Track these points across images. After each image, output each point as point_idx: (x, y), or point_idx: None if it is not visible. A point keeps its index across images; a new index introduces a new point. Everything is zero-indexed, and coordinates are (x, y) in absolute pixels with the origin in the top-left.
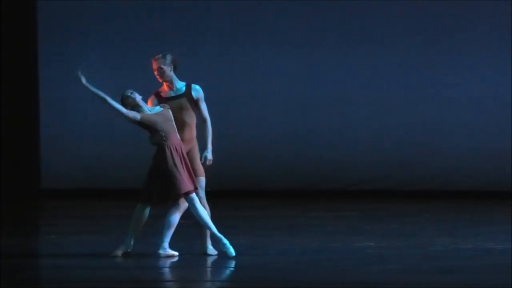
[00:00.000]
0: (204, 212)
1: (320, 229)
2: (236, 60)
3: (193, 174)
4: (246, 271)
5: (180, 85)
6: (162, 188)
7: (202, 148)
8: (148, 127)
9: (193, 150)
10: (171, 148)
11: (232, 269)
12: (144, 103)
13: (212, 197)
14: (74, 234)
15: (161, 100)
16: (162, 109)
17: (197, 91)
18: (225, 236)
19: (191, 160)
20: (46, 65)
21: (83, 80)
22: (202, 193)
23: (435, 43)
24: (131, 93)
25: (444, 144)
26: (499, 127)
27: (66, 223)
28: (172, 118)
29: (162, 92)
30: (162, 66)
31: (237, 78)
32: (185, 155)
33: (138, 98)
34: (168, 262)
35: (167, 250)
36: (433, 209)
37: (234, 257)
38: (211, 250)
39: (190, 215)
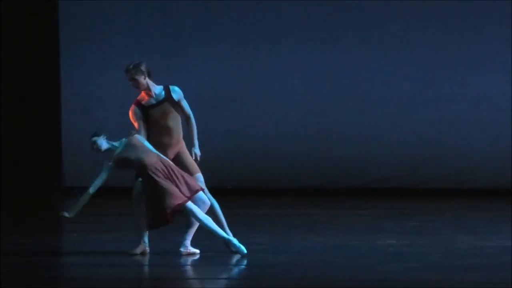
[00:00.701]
0: (207, 219)
1: (341, 227)
2: (255, 58)
3: (189, 181)
4: (266, 269)
5: (159, 90)
6: (158, 211)
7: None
8: (126, 165)
9: (182, 150)
10: (152, 170)
11: (251, 267)
12: (110, 143)
13: (231, 195)
14: (96, 232)
15: (143, 109)
16: (127, 139)
17: (177, 93)
18: (244, 235)
19: (183, 159)
20: (67, 64)
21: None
22: (205, 189)
23: (452, 41)
24: (95, 143)
25: (464, 141)
26: None
27: (88, 221)
28: (141, 142)
29: (142, 100)
30: (136, 77)
31: (256, 76)
32: (171, 166)
33: (104, 146)
34: (190, 260)
35: (188, 248)
36: (454, 207)
37: (247, 254)
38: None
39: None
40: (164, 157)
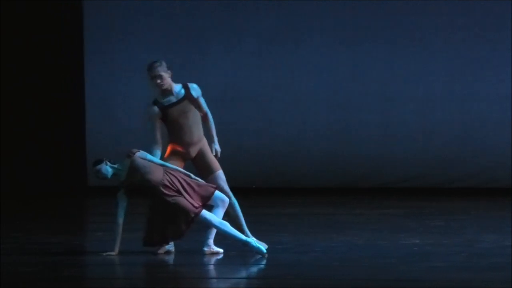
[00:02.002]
0: (223, 223)
1: (365, 227)
2: (278, 57)
3: (199, 188)
4: (290, 268)
5: (178, 88)
6: (170, 225)
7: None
8: (135, 189)
9: (204, 147)
10: (161, 188)
11: (272, 266)
12: (113, 167)
13: (256, 195)
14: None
15: (163, 110)
16: (128, 162)
17: (196, 90)
18: (268, 234)
19: (206, 157)
20: (91, 63)
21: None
22: (226, 186)
23: (479, 40)
24: (99, 172)
25: (488, 141)
26: None
27: (113, 220)
28: (142, 162)
29: (161, 99)
30: (163, 73)
31: (280, 76)
32: (179, 175)
33: (109, 172)
34: (213, 259)
35: (211, 247)
36: (478, 206)
37: (269, 254)
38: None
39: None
40: (171, 166)
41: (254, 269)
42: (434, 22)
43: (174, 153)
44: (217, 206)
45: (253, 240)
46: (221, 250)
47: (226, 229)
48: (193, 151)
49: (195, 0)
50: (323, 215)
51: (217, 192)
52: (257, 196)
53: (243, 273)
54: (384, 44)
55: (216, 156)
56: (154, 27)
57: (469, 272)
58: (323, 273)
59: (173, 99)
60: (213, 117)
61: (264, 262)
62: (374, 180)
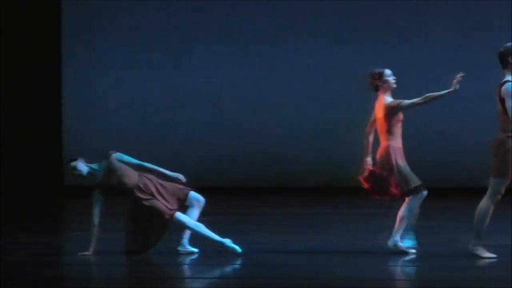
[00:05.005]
0: (198, 226)
1: (346, 226)
2: (264, 58)
3: (174, 191)
4: (266, 268)
5: None
6: (149, 230)
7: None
8: (111, 190)
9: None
10: (137, 191)
11: (247, 266)
12: (89, 166)
13: (238, 194)
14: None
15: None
16: (106, 163)
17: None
18: (247, 234)
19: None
20: (69, 62)
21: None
22: None
23: (471, 40)
24: (75, 168)
25: (468, 141)
26: None
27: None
28: (120, 164)
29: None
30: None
31: (264, 76)
32: (153, 179)
33: (85, 170)
34: (188, 259)
35: (186, 246)
36: (459, 206)
37: (246, 254)
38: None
39: (209, 211)
40: (149, 166)
41: (229, 269)
42: (419, 22)
43: None
44: (193, 206)
45: (228, 240)
46: (196, 250)
47: (200, 230)
48: None
49: (174, 0)
50: (302, 215)
51: (192, 193)
52: (240, 195)
53: (218, 273)
54: (371, 43)
55: None
56: (132, 27)
57: (447, 271)
58: (300, 273)
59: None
60: (198, 118)
61: (239, 262)
62: (354, 180)
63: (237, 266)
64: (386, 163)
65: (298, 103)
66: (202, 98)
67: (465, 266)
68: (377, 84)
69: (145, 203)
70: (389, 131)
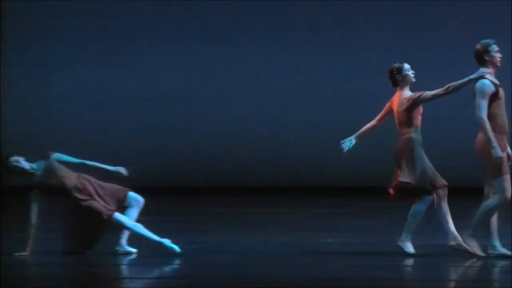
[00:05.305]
0: (136, 226)
1: (288, 226)
2: (210, 57)
3: (113, 191)
4: (204, 268)
5: None
6: (87, 230)
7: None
8: (49, 191)
9: None
10: (76, 192)
11: (185, 266)
12: (28, 164)
13: (181, 194)
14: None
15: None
16: (45, 163)
17: None
18: (189, 234)
19: None
20: (8, 61)
21: None
22: None
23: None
24: (18, 162)
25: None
26: None
27: (27, 220)
28: (59, 164)
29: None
30: None
31: (210, 75)
32: (91, 180)
33: (26, 165)
34: (126, 259)
35: (124, 246)
36: (402, 206)
37: (187, 254)
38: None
39: (149, 211)
40: (91, 163)
41: (167, 269)
42: (368, 22)
43: None
44: (132, 206)
45: (167, 240)
46: (134, 250)
47: (139, 230)
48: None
49: (118, 0)
50: (246, 215)
51: (131, 193)
52: (180, 195)
53: (157, 273)
54: (320, 44)
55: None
56: (72, 27)
57: (389, 270)
58: (237, 273)
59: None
60: (139, 117)
61: (178, 261)
62: (300, 180)
63: (176, 266)
64: (408, 154)
65: (235, 102)
66: (143, 97)
67: (385, 266)
68: (396, 78)
69: (84, 203)
70: (411, 124)
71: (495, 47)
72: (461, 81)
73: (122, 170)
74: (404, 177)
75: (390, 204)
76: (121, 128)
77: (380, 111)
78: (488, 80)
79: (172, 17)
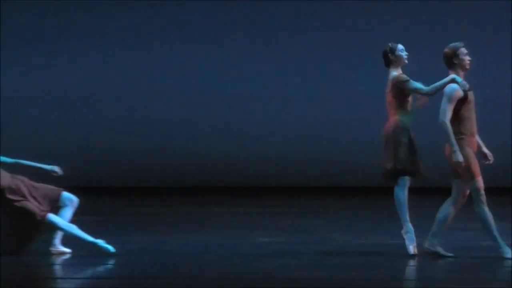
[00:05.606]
0: (70, 227)
1: (218, 225)
2: (138, 57)
3: (46, 192)
4: (137, 268)
5: None
6: (21, 230)
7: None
8: None
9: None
10: (9, 192)
11: (119, 266)
12: None
13: (109, 194)
14: None
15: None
16: None
17: None
18: (125, 234)
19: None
20: None
21: None
22: None
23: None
24: None
25: (345, 141)
26: None
27: None
28: None
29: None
30: None
31: (137, 74)
32: (25, 181)
33: None
34: (60, 259)
35: (58, 246)
36: (332, 205)
37: (120, 254)
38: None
39: (84, 211)
40: (26, 163)
41: (101, 269)
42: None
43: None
44: (66, 206)
45: (101, 241)
46: (68, 250)
47: (72, 231)
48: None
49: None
50: (179, 214)
51: (64, 193)
52: (115, 195)
53: (90, 273)
54: (250, 44)
55: None
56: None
57: (318, 270)
58: (169, 273)
59: None
60: (70, 116)
61: (112, 262)
62: (229, 179)
63: (110, 266)
64: (389, 136)
65: (165, 101)
66: (72, 97)
67: (314, 265)
68: (389, 58)
69: (17, 204)
70: (397, 106)
71: (464, 50)
72: (437, 84)
73: (56, 168)
74: (384, 161)
75: (319, 204)
76: (52, 127)
77: (380, 110)
78: (457, 84)
79: (153, 17)
